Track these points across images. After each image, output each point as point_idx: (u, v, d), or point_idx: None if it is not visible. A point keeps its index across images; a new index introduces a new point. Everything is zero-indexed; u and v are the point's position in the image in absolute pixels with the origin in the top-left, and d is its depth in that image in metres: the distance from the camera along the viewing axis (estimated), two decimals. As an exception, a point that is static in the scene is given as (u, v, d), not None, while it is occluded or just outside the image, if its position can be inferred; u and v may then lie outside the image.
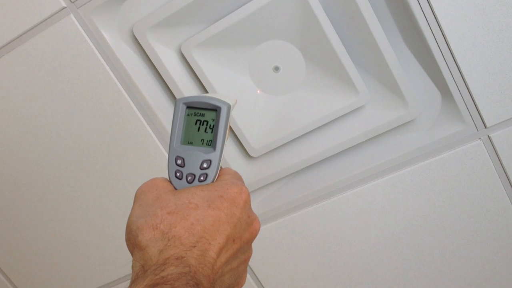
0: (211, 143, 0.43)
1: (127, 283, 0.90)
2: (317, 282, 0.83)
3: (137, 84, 0.71)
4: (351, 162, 0.75)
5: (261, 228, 0.79)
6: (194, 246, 0.36)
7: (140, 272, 0.36)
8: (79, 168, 0.80)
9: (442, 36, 0.62)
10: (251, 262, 0.83)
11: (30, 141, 0.79)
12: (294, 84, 0.71)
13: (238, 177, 0.45)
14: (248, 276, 0.84)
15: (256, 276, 0.85)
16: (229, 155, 0.76)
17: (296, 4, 0.64)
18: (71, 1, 0.67)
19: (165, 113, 0.74)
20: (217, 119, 0.43)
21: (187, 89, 0.71)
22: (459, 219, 0.74)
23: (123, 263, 0.88)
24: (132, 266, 0.38)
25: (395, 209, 0.75)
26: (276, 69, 0.71)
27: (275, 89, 0.72)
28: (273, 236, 0.80)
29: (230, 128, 0.72)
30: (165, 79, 0.71)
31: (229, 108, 0.43)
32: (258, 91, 0.71)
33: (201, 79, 0.70)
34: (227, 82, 0.71)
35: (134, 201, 0.42)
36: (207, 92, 0.72)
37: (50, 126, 0.77)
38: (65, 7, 0.67)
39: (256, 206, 0.78)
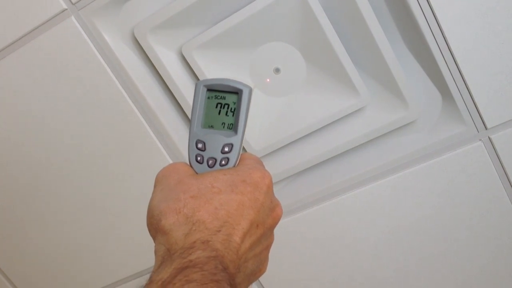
0: (233, 127, 0.42)
1: (129, 284, 0.90)
2: (318, 283, 0.83)
3: (138, 86, 0.71)
4: (352, 163, 0.75)
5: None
6: (219, 231, 0.36)
7: (166, 255, 0.35)
8: (80, 170, 0.80)
9: (442, 37, 0.63)
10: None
11: (31, 142, 0.79)
12: (294, 85, 0.71)
13: (259, 162, 0.45)
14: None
15: (257, 278, 0.85)
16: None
17: (297, 6, 0.64)
18: (72, 3, 0.67)
19: (166, 114, 0.74)
20: (238, 102, 0.42)
21: (188, 91, 0.72)
22: (460, 220, 0.74)
23: (124, 265, 0.88)
24: (156, 250, 0.37)
25: (396, 210, 0.75)
26: (277, 70, 0.71)
27: (276, 90, 0.72)
28: (274, 237, 0.80)
29: None
30: (166, 81, 0.71)
31: (250, 91, 0.42)
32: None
33: (202, 81, 0.70)
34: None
35: (155, 186, 0.42)
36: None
37: (51, 127, 0.77)
38: (66, 9, 0.67)
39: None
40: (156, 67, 0.70)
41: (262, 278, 0.84)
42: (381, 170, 0.73)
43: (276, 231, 0.81)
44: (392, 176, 0.73)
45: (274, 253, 0.83)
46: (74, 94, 0.73)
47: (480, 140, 0.68)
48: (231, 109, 0.43)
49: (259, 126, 0.73)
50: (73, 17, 0.68)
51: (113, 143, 0.76)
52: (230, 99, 0.43)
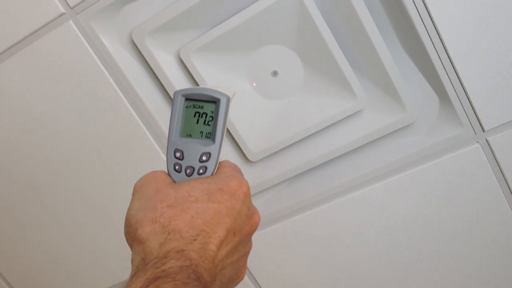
0: (211, 136, 0.43)
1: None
2: (316, 285, 0.83)
3: (136, 90, 0.71)
4: (350, 166, 0.75)
5: (260, 232, 0.79)
6: (195, 240, 0.36)
7: (140, 265, 0.36)
8: (78, 172, 0.80)
9: (439, 39, 0.63)
10: (250, 266, 0.83)
11: (30, 145, 0.79)
12: (292, 88, 0.71)
13: (237, 170, 0.45)
14: (247, 279, 0.84)
15: (256, 280, 0.85)
16: (227, 159, 0.76)
17: (294, 9, 0.64)
18: (70, 7, 0.67)
19: (164, 118, 0.74)
20: (216, 111, 0.42)
21: (186, 94, 0.72)
22: (458, 222, 0.74)
23: (122, 266, 0.88)
24: (132, 260, 0.37)
25: (393, 212, 0.75)
26: (275, 73, 0.71)
27: (274, 93, 0.72)
28: (272, 239, 0.80)
29: (228, 131, 0.72)
30: (163, 84, 0.71)
31: (228, 100, 0.42)
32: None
33: (199, 84, 0.70)
34: (226, 86, 0.71)
35: (133, 194, 0.42)
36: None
37: (49, 131, 0.77)
38: (64, 13, 0.67)
39: (255, 210, 0.78)
40: (154, 70, 0.70)
41: (261, 280, 0.84)
42: (379, 172, 0.73)
43: (275, 234, 0.81)
44: (390, 178, 0.73)
45: (273, 254, 0.83)
46: (73, 98, 0.73)
47: (477, 142, 0.68)
48: (209, 118, 0.43)
49: (257, 129, 0.73)
50: (71, 21, 0.68)
51: (112, 146, 0.76)
52: (208, 108, 0.43)
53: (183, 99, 0.43)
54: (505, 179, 0.70)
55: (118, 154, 0.77)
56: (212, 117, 0.43)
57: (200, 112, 0.43)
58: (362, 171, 0.74)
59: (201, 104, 0.43)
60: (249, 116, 0.73)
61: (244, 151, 0.74)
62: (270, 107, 0.73)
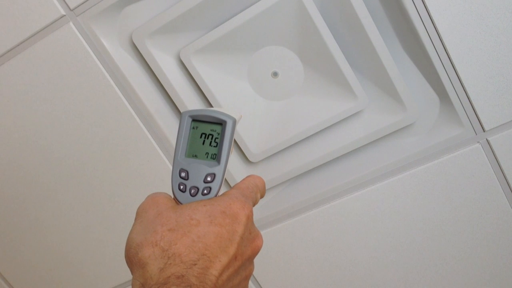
0: (216, 157, 0.43)
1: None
2: (317, 285, 0.83)
3: (137, 91, 0.71)
4: (350, 166, 0.75)
5: (261, 232, 0.79)
6: (195, 264, 0.36)
7: None
8: (79, 175, 0.80)
9: (439, 40, 0.63)
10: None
11: (30, 148, 0.79)
12: (292, 89, 0.71)
13: (243, 193, 0.44)
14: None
15: (257, 281, 0.85)
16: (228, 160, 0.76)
17: (294, 10, 0.64)
18: (70, 9, 0.67)
19: (165, 119, 0.74)
20: (222, 133, 0.43)
21: (187, 96, 0.72)
22: (459, 222, 0.74)
23: (121, 271, 0.88)
24: (132, 285, 0.37)
25: (394, 212, 0.75)
26: (275, 74, 0.71)
27: (274, 94, 0.72)
28: (273, 240, 0.80)
29: None
30: (164, 86, 0.71)
31: (234, 122, 0.43)
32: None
33: (200, 85, 0.70)
34: (226, 88, 0.71)
35: (135, 219, 0.42)
36: (206, 98, 0.73)
37: (50, 133, 0.77)
38: (64, 15, 0.67)
39: (256, 211, 0.79)
40: (154, 72, 0.70)
41: (262, 281, 0.85)
42: (379, 172, 0.73)
43: (276, 235, 0.81)
44: (391, 179, 0.73)
45: (274, 255, 0.83)
46: (72, 100, 0.73)
47: (478, 142, 0.69)
48: (215, 139, 0.43)
49: (258, 130, 0.74)
50: (71, 23, 0.68)
51: (112, 149, 0.76)
52: (215, 129, 0.43)
53: (190, 119, 0.44)
54: (505, 179, 0.70)
55: (118, 155, 0.77)
56: (218, 139, 0.43)
57: (207, 133, 0.44)
58: (363, 171, 0.74)
59: (207, 125, 0.43)
60: (250, 117, 0.73)
61: (244, 152, 0.74)
62: (270, 108, 0.73)
